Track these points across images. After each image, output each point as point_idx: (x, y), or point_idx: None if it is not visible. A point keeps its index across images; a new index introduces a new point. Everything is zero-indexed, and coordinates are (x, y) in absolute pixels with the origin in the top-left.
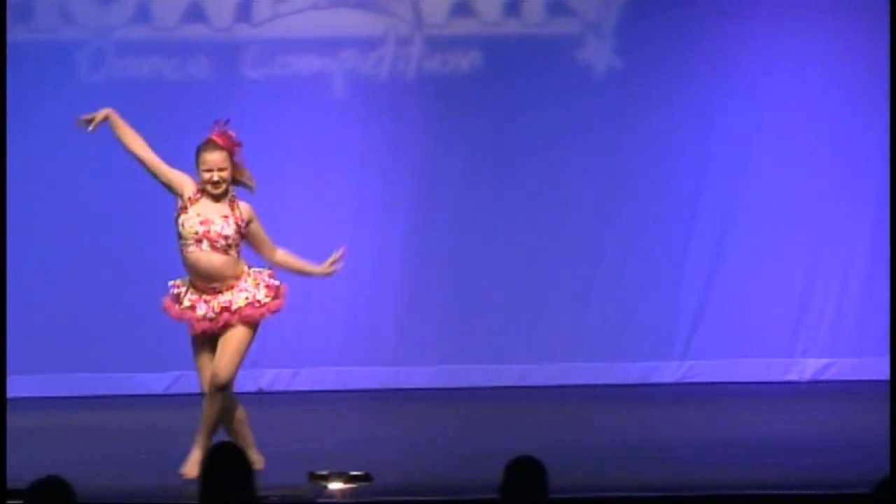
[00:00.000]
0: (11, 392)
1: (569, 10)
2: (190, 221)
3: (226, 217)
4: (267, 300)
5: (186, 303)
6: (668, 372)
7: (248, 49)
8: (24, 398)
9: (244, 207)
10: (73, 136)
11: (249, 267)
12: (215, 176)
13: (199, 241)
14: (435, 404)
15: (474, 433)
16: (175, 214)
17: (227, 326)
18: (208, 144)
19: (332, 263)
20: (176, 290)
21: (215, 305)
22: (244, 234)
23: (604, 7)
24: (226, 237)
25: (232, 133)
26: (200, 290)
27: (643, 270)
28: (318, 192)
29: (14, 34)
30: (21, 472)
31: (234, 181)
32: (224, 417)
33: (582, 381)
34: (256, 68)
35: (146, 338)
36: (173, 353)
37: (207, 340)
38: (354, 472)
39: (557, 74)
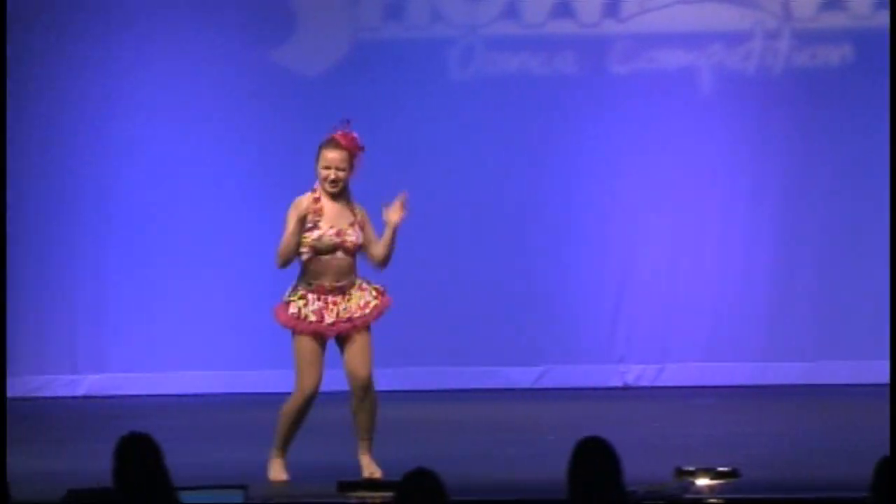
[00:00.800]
0: (383, 385)
1: None
2: (327, 236)
3: (352, 225)
4: (377, 300)
5: (312, 317)
6: None
7: (615, 44)
8: (394, 391)
9: (360, 212)
10: (444, 132)
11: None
12: (332, 174)
13: (335, 250)
14: (804, 400)
15: (844, 431)
16: (306, 229)
17: (354, 329)
18: (331, 143)
19: (395, 211)
20: (294, 309)
21: (341, 311)
22: None
23: None
24: (357, 245)
25: (355, 135)
26: (324, 293)
27: None
28: (685, 187)
29: (386, 32)
30: (392, 464)
31: None
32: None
33: None
34: (623, 63)
35: (513, 332)
36: (540, 347)
37: (321, 344)
38: (721, 468)
39: None
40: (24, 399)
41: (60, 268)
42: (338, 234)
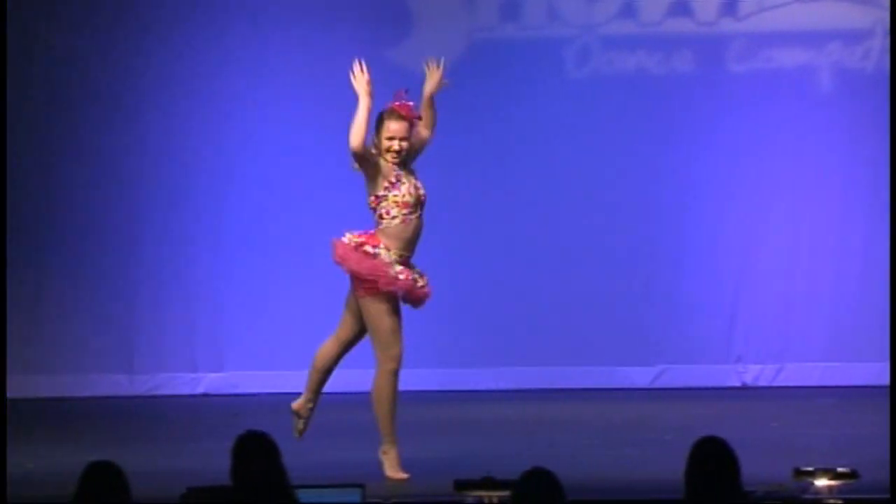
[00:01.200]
0: (503, 384)
1: None
2: (412, 190)
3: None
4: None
5: (400, 273)
6: None
7: (732, 43)
8: (514, 391)
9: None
10: (560, 132)
11: None
12: (396, 145)
13: (418, 206)
14: None
15: None
16: (381, 192)
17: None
18: (392, 113)
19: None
20: (375, 250)
21: (418, 277)
22: None
23: None
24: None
25: (412, 104)
26: (403, 264)
27: None
28: (803, 186)
29: (503, 32)
30: (508, 462)
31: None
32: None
33: None
34: (741, 62)
35: (631, 332)
36: (658, 347)
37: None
38: (841, 469)
39: None
40: (143, 397)
41: (179, 267)
42: (417, 188)
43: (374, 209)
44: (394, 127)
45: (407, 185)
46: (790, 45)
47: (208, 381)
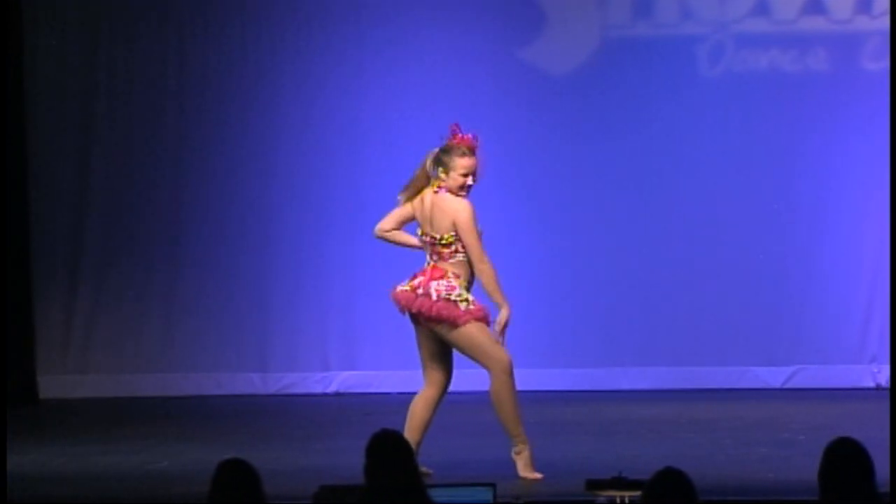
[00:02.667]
0: (635, 384)
1: None
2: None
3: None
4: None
5: (473, 305)
6: None
7: (867, 41)
8: (646, 391)
9: (454, 206)
10: (693, 130)
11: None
12: (470, 181)
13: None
14: None
15: None
16: (453, 232)
17: None
18: (466, 150)
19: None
20: (465, 305)
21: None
22: None
23: None
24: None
25: (476, 137)
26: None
27: None
28: None
29: (635, 30)
30: (641, 463)
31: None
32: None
33: None
34: (876, 60)
35: (764, 332)
36: (791, 347)
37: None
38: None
39: None
40: (276, 396)
41: (312, 267)
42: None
43: (452, 243)
44: (469, 163)
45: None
46: None
47: (340, 380)
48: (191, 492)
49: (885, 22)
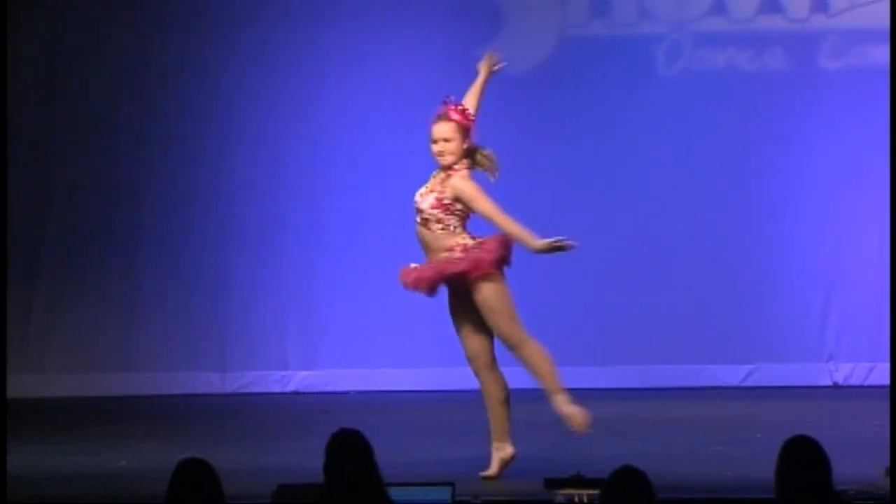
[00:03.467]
0: (592, 383)
1: None
2: (416, 196)
3: (432, 191)
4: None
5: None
6: None
7: (824, 39)
8: (602, 389)
9: (454, 184)
10: (650, 129)
11: (467, 240)
12: (439, 147)
13: (417, 212)
14: None
15: None
16: None
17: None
18: (437, 118)
19: (553, 246)
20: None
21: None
22: (453, 209)
23: None
24: (421, 211)
25: (465, 107)
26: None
27: None
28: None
29: (593, 30)
30: (599, 462)
31: (473, 161)
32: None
33: None
34: (833, 59)
35: (722, 330)
36: (749, 345)
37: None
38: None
39: None
40: (235, 395)
41: (271, 267)
42: (420, 195)
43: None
44: (435, 128)
45: (422, 189)
46: (882, 41)
47: (299, 379)
48: (150, 491)
49: (843, 21)
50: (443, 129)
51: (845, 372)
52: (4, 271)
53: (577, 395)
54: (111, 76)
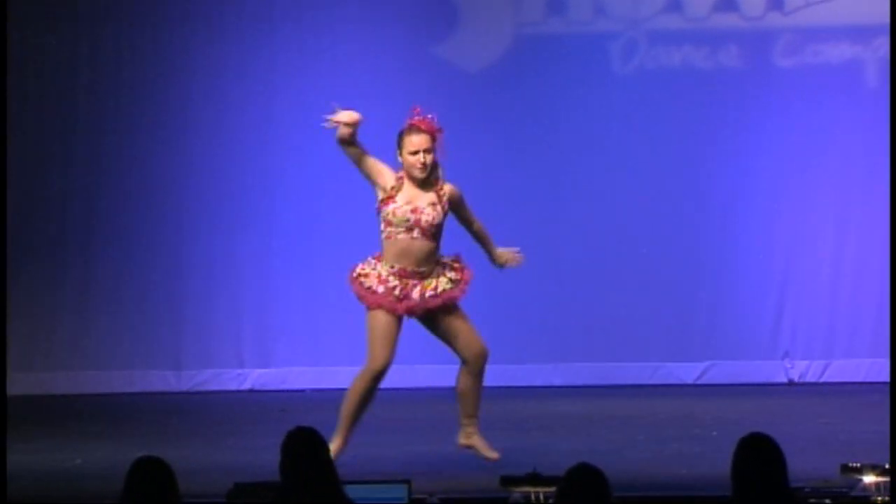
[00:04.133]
0: (547, 380)
1: None
2: (401, 210)
3: (433, 205)
4: (454, 284)
5: (396, 291)
6: None
7: (779, 37)
8: (557, 387)
9: (449, 191)
10: (606, 127)
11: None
12: (421, 158)
13: (410, 228)
14: None
15: None
16: (377, 205)
17: (439, 308)
18: (412, 128)
19: (507, 259)
20: (369, 283)
21: (425, 288)
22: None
23: None
24: (436, 226)
25: (431, 117)
26: (404, 276)
27: None
28: (850, 181)
29: (549, 27)
30: (555, 460)
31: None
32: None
33: None
34: (787, 57)
35: (677, 328)
36: (704, 343)
37: (396, 323)
38: (889, 466)
39: None
40: (190, 393)
41: (226, 265)
42: (413, 210)
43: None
44: (416, 140)
45: (399, 204)
46: (837, 40)
47: (255, 377)
48: (105, 490)
49: (798, 19)
50: (424, 140)
51: (800, 369)
52: (4, 271)
53: (534, 392)
54: (62, 75)
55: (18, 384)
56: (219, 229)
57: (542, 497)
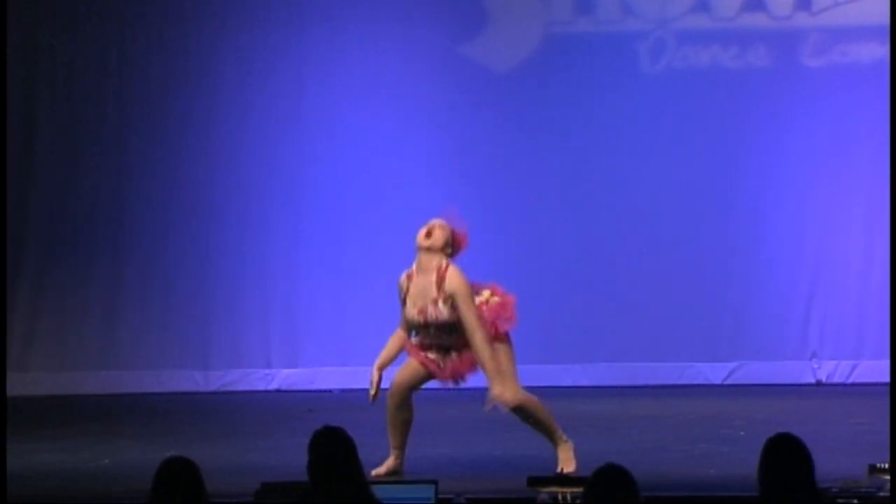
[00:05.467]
0: (576, 381)
1: None
2: (409, 315)
3: (435, 302)
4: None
5: (431, 356)
6: None
7: (807, 37)
8: (586, 387)
9: (450, 280)
10: (634, 127)
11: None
12: (428, 228)
13: (425, 327)
14: None
15: None
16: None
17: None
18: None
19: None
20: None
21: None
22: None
23: None
24: (447, 322)
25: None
26: (423, 348)
27: None
28: (881, 181)
29: (577, 27)
30: (583, 459)
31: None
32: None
33: None
34: (815, 57)
35: (706, 328)
36: (733, 343)
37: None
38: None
39: None
40: (218, 393)
41: (255, 266)
42: (420, 312)
43: None
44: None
45: (408, 307)
46: (865, 40)
47: (282, 377)
48: (133, 489)
49: (826, 18)
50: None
51: (828, 370)
52: (4, 272)
53: (561, 392)
54: (92, 80)
55: (47, 384)
56: (247, 231)
57: (569, 497)
